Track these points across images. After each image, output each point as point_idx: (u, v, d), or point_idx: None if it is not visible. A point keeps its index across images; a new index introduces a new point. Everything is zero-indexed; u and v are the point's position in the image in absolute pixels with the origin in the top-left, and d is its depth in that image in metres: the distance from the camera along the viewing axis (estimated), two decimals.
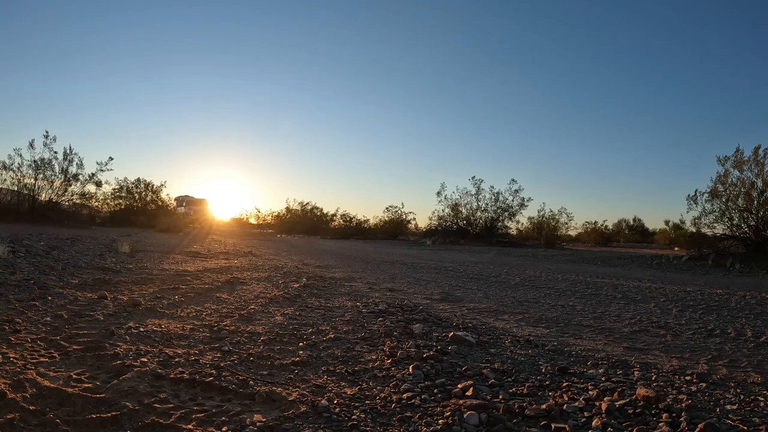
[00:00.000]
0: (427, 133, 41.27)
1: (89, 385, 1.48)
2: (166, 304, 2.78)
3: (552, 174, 37.94)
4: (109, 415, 1.28)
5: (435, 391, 1.60)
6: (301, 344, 2.13)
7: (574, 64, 37.13)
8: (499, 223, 18.34)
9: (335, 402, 1.48)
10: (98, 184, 14.69)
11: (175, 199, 26.42)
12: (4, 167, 13.45)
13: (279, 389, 1.55)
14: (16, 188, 13.58)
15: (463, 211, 18.47)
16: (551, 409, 1.44)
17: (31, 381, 1.43)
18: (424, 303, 3.34)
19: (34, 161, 13.57)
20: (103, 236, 8.71)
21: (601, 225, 23.26)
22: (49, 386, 1.41)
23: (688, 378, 1.80)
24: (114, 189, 18.92)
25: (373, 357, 1.98)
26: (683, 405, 1.47)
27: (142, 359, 1.75)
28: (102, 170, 14.38)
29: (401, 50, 38.86)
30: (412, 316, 2.79)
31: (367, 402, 1.50)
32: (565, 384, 1.69)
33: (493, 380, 1.71)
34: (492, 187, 18.73)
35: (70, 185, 14.22)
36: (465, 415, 1.39)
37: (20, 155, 13.57)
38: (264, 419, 1.32)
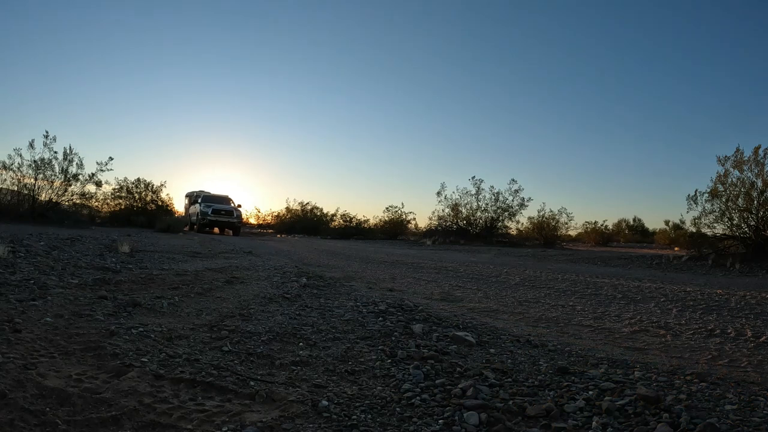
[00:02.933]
0: (427, 133, 41.27)
1: (89, 385, 1.48)
2: (166, 304, 2.78)
3: (552, 174, 37.96)
4: (109, 415, 1.28)
5: (435, 391, 1.60)
6: (301, 344, 2.13)
7: (574, 64, 37.14)
8: (499, 223, 18.34)
9: (335, 402, 1.48)
10: (98, 184, 14.67)
11: (186, 196, 22.12)
12: (4, 167, 13.45)
13: (279, 389, 1.55)
14: (16, 188, 13.57)
15: (463, 211, 18.47)
16: (551, 409, 1.44)
17: (31, 381, 1.43)
18: (424, 303, 3.34)
19: (34, 161, 13.56)
20: (103, 236, 8.71)
21: (601, 225, 23.26)
22: (49, 386, 1.41)
23: (688, 378, 1.80)
24: (114, 189, 18.88)
25: (373, 357, 1.98)
26: (683, 405, 1.47)
27: (142, 359, 1.75)
28: (102, 170, 14.36)
29: (401, 50, 38.87)
30: (412, 315, 2.79)
31: (367, 402, 1.50)
32: (565, 384, 1.69)
33: (493, 380, 1.71)
34: (492, 187, 18.72)
35: (70, 185, 14.21)
36: (465, 415, 1.39)
37: (20, 155, 13.56)
38: (264, 419, 1.32)
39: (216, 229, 20.16)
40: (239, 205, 20.59)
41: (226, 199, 20.53)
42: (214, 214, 18.83)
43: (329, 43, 38.33)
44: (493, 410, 1.43)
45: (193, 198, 21.16)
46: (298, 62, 38.44)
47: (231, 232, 19.85)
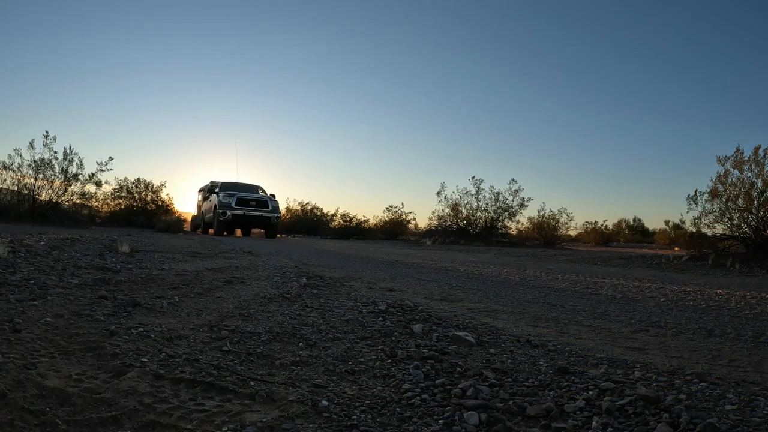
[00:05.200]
0: (428, 133, 41.24)
1: (89, 385, 1.48)
2: (166, 304, 2.78)
3: (552, 174, 37.93)
4: (109, 414, 1.28)
5: (435, 391, 1.60)
6: (301, 344, 2.13)
7: (574, 64, 37.12)
8: (499, 223, 18.37)
9: (335, 402, 1.48)
10: (98, 184, 14.73)
11: (199, 191, 17.63)
12: (4, 167, 13.50)
13: (279, 389, 1.55)
14: (16, 188, 13.60)
15: (463, 211, 18.50)
16: (551, 409, 1.44)
17: (31, 381, 1.43)
18: (424, 303, 3.34)
19: (34, 161, 13.61)
20: (103, 236, 8.72)
21: (601, 225, 23.30)
22: (49, 386, 1.41)
23: (688, 378, 1.80)
24: (114, 189, 18.91)
25: (373, 357, 1.98)
26: (683, 405, 1.47)
27: (142, 359, 1.75)
28: (102, 170, 14.42)
29: (401, 49, 38.84)
30: (412, 315, 2.79)
31: (367, 402, 1.50)
32: (565, 384, 1.69)
33: (493, 380, 1.71)
34: (492, 187, 18.76)
35: (70, 185, 14.26)
36: (465, 415, 1.39)
37: (20, 155, 13.62)
38: (264, 419, 1.32)
39: (238, 231, 15.36)
40: (273, 195, 14.95)
41: (254, 189, 15.08)
42: (240, 205, 13.37)
43: (329, 42, 38.31)
44: (493, 410, 1.43)
45: (206, 191, 15.75)
46: (298, 61, 38.42)
47: (264, 232, 14.71)
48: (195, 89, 38.94)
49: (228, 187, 14.45)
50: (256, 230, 16.05)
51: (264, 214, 13.79)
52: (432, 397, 1.55)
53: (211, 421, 1.30)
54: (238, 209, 13.39)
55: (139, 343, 1.95)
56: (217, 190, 14.31)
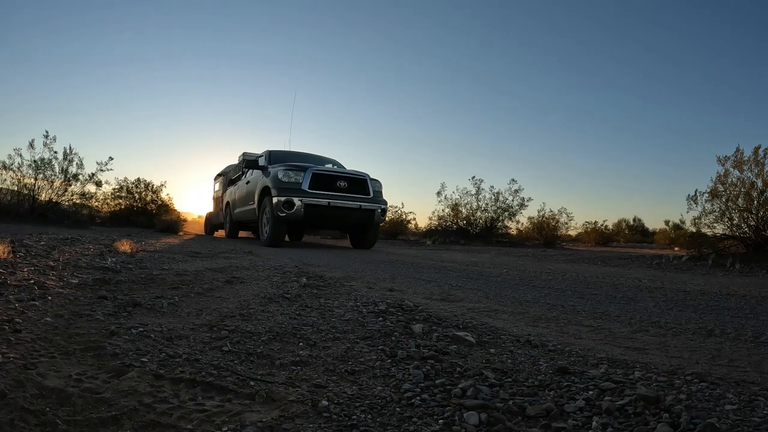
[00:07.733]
0: (427, 133, 41.22)
1: (89, 385, 1.48)
2: (166, 304, 2.78)
3: (552, 174, 37.91)
4: (109, 414, 1.28)
5: (435, 391, 1.60)
6: (301, 344, 2.13)
7: (574, 64, 37.11)
8: (499, 223, 18.36)
9: (335, 402, 1.48)
10: (98, 184, 14.73)
11: (218, 177, 13.50)
12: (4, 167, 13.49)
13: (279, 389, 1.55)
14: (16, 188, 13.61)
15: (463, 211, 18.48)
16: (551, 409, 1.44)
17: (31, 381, 1.43)
18: (424, 303, 3.34)
19: (34, 161, 13.61)
20: (104, 236, 8.72)
21: (601, 225, 23.26)
22: (49, 386, 1.41)
23: (688, 378, 1.80)
24: (114, 189, 18.91)
25: (373, 357, 1.98)
26: (683, 405, 1.47)
27: (142, 359, 1.75)
28: (102, 170, 14.42)
29: (401, 48, 38.83)
30: (412, 315, 2.79)
31: (367, 402, 1.50)
32: (565, 384, 1.69)
33: (493, 380, 1.71)
34: (492, 187, 18.78)
35: (70, 185, 14.26)
36: (465, 415, 1.39)
37: (20, 155, 13.62)
38: (264, 419, 1.32)
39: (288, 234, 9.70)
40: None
41: (323, 162, 9.31)
42: (319, 188, 7.45)
43: (327, 42, 38.31)
44: (493, 410, 1.43)
45: (235, 171, 10.03)
46: (297, 60, 38.39)
47: (350, 239, 9.28)
48: (196, 88, 38.90)
49: (286, 158, 8.37)
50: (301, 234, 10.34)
51: (364, 205, 7.75)
52: (432, 397, 1.55)
53: (211, 421, 1.30)
54: (316, 196, 7.34)
55: (139, 343, 1.95)
56: (264, 164, 8.19)
